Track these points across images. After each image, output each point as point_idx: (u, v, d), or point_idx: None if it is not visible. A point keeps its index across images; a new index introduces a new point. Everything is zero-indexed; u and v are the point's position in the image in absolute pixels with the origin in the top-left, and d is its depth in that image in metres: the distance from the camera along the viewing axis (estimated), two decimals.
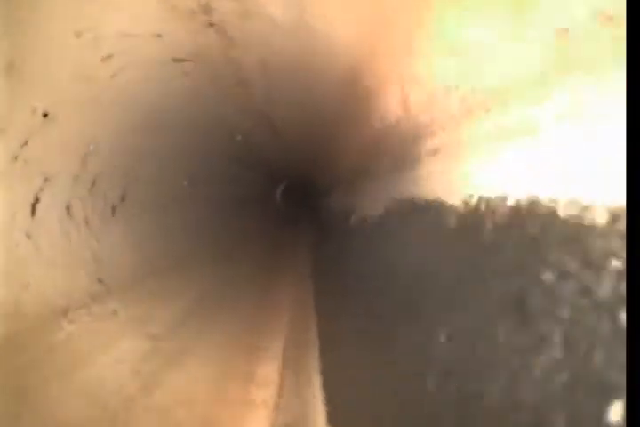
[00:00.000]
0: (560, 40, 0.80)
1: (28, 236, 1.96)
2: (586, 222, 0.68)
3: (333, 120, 3.94)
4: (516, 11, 0.92)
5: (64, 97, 2.12)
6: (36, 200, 2.09)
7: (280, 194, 7.78)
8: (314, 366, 2.27)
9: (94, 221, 2.41)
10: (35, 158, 2.07)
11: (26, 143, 1.95)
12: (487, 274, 0.97)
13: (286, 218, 7.51)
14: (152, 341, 2.03)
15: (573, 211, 0.71)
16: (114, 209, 2.61)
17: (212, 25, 2.11)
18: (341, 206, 4.43)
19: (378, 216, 2.33)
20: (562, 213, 0.74)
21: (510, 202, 0.91)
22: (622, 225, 0.61)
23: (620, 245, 0.61)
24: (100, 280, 2.15)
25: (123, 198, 2.70)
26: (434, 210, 1.37)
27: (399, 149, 1.99)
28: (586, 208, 0.68)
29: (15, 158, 1.92)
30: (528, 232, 0.83)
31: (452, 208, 1.22)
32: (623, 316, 0.58)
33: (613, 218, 0.63)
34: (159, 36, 2.20)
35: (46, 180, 2.12)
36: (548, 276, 0.75)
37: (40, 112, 2.04)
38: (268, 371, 2.27)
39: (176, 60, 2.40)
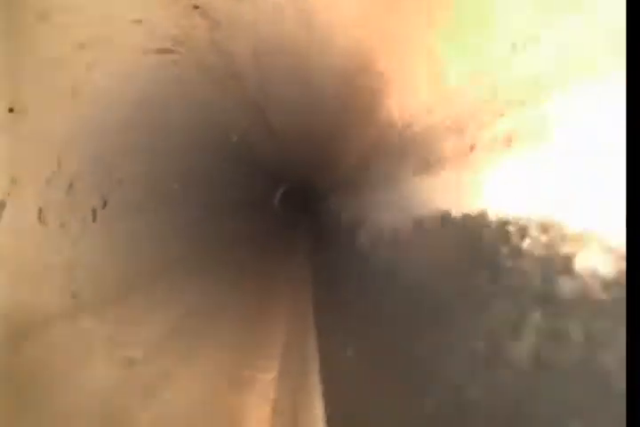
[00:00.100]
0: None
1: None
2: None
3: (334, 118, 3.73)
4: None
5: (33, 89, 1.90)
6: (2, 205, 1.87)
7: (279, 198, 7.55)
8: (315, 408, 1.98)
9: (71, 228, 2.18)
10: (0, 158, 1.86)
11: None
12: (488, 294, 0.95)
13: (284, 223, 7.28)
14: (128, 366, 1.79)
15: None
16: (94, 214, 2.38)
17: (196, 7, 1.90)
18: (343, 211, 4.35)
19: (382, 223, 2.23)
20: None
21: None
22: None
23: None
24: (73, 294, 1.92)
25: (105, 202, 2.47)
26: (439, 221, 1.34)
27: (404, 152, 1.92)
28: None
29: None
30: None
31: (457, 220, 1.19)
32: None
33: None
34: (139, 21, 1.99)
35: (13, 181, 1.90)
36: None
37: (4, 106, 1.83)
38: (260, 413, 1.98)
39: (160, 51, 2.18)
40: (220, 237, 4.39)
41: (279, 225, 7.15)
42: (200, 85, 2.66)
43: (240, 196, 5.61)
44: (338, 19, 2.24)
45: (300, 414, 1.96)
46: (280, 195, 7.50)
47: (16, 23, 1.68)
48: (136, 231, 2.66)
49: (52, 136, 2.09)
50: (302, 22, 2.29)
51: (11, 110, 1.88)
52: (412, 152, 1.78)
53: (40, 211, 2.03)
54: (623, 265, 0.60)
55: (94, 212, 2.38)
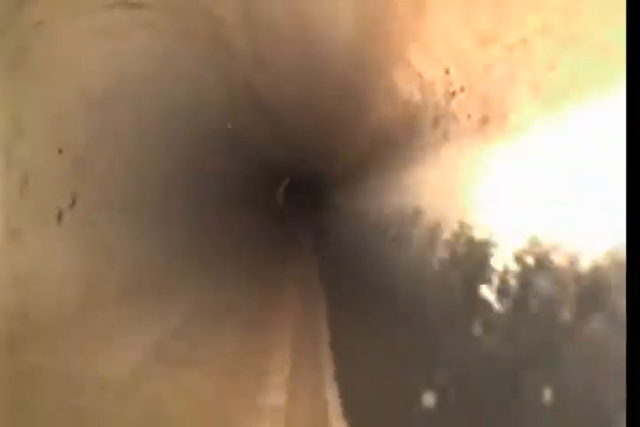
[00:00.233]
0: None
1: None
2: None
3: (336, 100, 3.29)
4: None
5: None
6: None
7: (282, 191, 7.12)
8: None
9: (28, 233, 1.75)
10: None
11: None
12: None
13: (289, 219, 6.86)
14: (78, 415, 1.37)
15: None
16: (60, 216, 1.95)
17: None
18: (350, 206, 4.12)
19: (389, 218, 2.22)
20: None
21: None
22: None
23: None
24: (23, 315, 1.49)
25: (73, 202, 2.04)
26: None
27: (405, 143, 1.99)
28: None
29: None
30: None
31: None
32: None
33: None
34: None
35: None
36: None
37: None
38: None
39: (131, 6, 1.74)
40: (216, 237, 3.95)
41: (283, 222, 6.73)
42: (182, 53, 2.21)
43: (236, 190, 5.17)
44: None
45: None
46: (283, 189, 7.07)
47: None
48: (113, 235, 2.22)
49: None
50: None
51: None
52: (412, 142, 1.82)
53: None
54: None
55: (60, 214, 1.95)
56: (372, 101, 2.76)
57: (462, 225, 1.23)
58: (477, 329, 1.00)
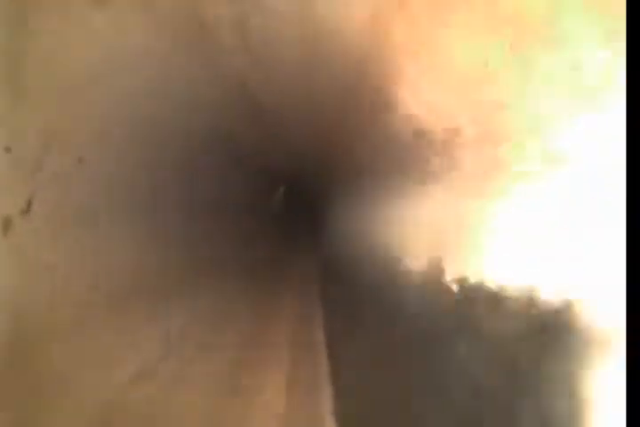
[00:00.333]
0: None
1: None
2: None
3: (338, 103, 3.04)
4: None
5: None
6: None
7: (279, 198, 6.85)
8: None
9: None
10: None
11: None
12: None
13: (286, 228, 6.59)
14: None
15: None
16: (6, 225, 1.67)
17: None
18: (351, 214, 3.91)
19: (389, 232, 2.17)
20: None
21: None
22: None
23: None
24: None
25: (27, 206, 1.76)
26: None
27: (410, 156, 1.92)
28: None
29: None
30: None
31: None
32: None
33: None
34: None
35: None
36: None
37: None
38: None
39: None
40: (208, 246, 3.67)
41: (281, 230, 6.46)
42: (165, 46, 1.95)
43: (230, 195, 4.90)
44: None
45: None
46: (279, 195, 6.80)
47: None
48: (77, 247, 1.94)
49: None
50: None
51: None
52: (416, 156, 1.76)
53: None
54: None
55: (7, 222, 1.67)
56: (375, 112, 2.54)
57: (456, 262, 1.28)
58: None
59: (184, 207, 3.46)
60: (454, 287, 1.26)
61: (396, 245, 2.10)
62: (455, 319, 1.22)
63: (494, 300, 1.01)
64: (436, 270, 1.42)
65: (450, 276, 1.31)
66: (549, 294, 0.82)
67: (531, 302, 0.87)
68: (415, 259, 1.68)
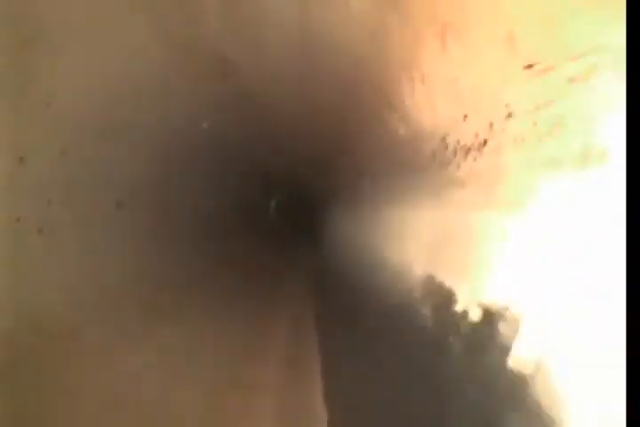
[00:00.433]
0: None
1: None
2: None
3: (338, 102, 2.98)
4: None
5: None
6: None
7: (274, 205, 6.74)
8: None
9: None
10: None
11: None
12: None
13: (283, 235, 6.50)
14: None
15: None
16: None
17: None
18: (349, 221, 3.89)
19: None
20: None
21: None
22: None
23: None
24: None
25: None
26: None
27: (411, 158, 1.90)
28: None
29: None
30: None
31: None
32: None
33: None
34: None
35: None
36: None
37: None
38: None
39: None
40: (200, 257, 3.57)
41: (275, 238, 6.36)
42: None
43: (221, 202, 4.80)
44: None
45: None
46: (275, 203, 6.71)
47: None
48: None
49: None
50: None
51: None
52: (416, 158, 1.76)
53: None
54: None
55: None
56: (374, 117, 2.51)
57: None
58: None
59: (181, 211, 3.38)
60: (455, 299, 1.23)
61: (396, 249, 2.06)
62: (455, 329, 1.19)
63: (493, 315, 0.99)
64: (436, 279, 1.40)
65: (450, 287, 1.28)
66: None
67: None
68: (416, 265, 1.65)
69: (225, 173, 4.37)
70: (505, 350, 0.90)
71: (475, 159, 1.27)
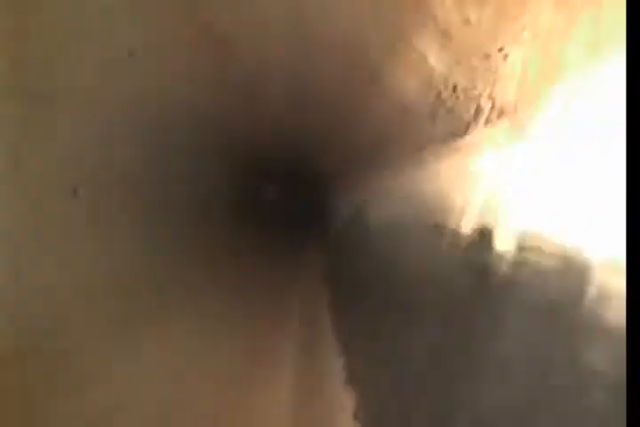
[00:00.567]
0: None
1: None
2: None
3: (337, 81, 2.84)
4: None
5: None
6: None
7: (272, 191, 6.62)
8: None
9: None
10: None
11: None
12: None
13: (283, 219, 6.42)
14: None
15: None
16: None
17: None
18: (351, 203, 3.90)
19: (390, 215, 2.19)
20: None
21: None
22: None
23: None
24: None
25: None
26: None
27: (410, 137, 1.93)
28: None
29: None
30: None
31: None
32: None
33: None
34: None
35: None
36: None
37: None
38: None
39: None
40: (199, 249, 3.49)
41: (277, 224, 6.28)
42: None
43: (217, 190, 4.69)
44: None
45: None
46: (274, 186, 6.59)
47: None
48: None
49: None
50: None
51: None
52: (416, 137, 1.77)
53: None
54: None
55: None
56: (371, 97, 2.46)
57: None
58: None
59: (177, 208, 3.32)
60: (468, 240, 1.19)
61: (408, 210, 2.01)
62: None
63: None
64: (448, 231, 1.37)
65: (461, 230, 1.25)
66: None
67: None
68: (426, 223, 1.63)
69: (224, 160, 4.29)
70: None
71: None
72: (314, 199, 6.27)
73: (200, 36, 2.13)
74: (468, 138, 1.33)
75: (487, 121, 1.20)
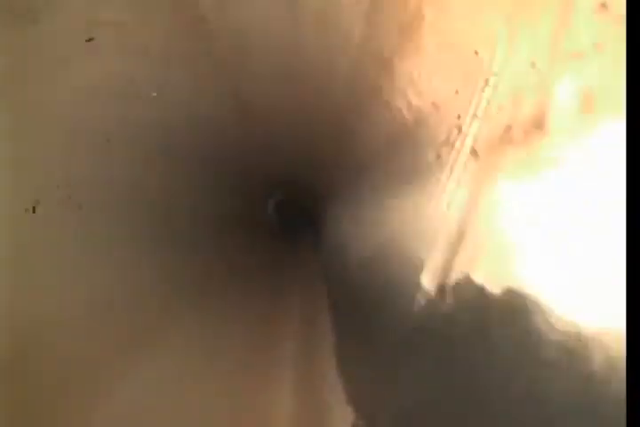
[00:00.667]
0: None
1: None
2: None
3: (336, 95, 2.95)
4: None
5: None
6: None
7: (273, 206, 6.71)
8: None
9: None
10: None
11: None
12: None
13: (283, 242, 6.45)
14: None
15: None
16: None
17: None
18: (350, 221, 3.76)
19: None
20: None
21: None
22: None
23: None
24: None
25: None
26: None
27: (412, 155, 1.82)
28: None
29: None
30: None
31: None
32: None
33: None
34: None
35: None
36: None
37: None
38: None
39: None
40: (194, 268, 3.47)
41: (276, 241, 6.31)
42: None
43: (224, 205, 4.78)
44: None
45: None
46: (274, 204, 6.68)
47: None
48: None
49: None
50: None
51: None
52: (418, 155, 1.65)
53: None
54: None
55: None
56: (372, 112, 2.50)
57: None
58: None
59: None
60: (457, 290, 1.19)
61: (400, 241, 2.05)
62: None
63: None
64: (440, 268, 1.34)
65: (454, 276, 1.24)
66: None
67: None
68: (420, 254, 1.57)
69: (222, 173, 4.35)
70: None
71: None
72: (310, 217, 6.33)
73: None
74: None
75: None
